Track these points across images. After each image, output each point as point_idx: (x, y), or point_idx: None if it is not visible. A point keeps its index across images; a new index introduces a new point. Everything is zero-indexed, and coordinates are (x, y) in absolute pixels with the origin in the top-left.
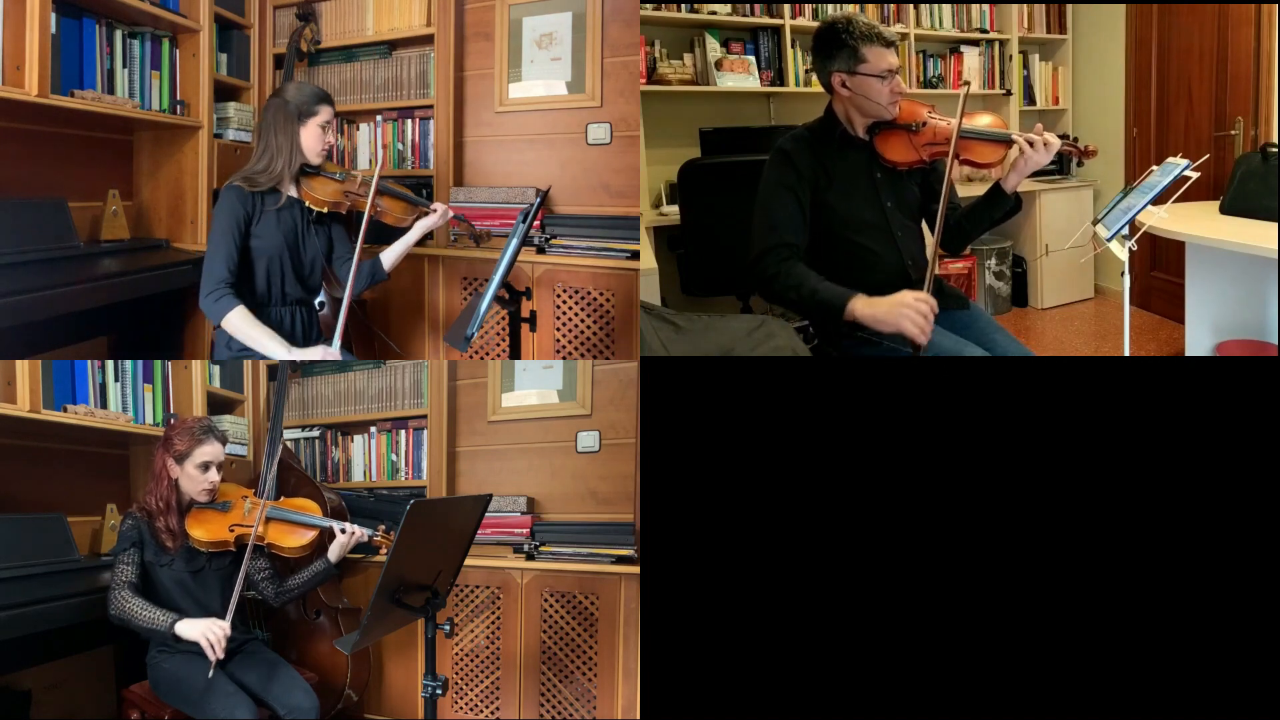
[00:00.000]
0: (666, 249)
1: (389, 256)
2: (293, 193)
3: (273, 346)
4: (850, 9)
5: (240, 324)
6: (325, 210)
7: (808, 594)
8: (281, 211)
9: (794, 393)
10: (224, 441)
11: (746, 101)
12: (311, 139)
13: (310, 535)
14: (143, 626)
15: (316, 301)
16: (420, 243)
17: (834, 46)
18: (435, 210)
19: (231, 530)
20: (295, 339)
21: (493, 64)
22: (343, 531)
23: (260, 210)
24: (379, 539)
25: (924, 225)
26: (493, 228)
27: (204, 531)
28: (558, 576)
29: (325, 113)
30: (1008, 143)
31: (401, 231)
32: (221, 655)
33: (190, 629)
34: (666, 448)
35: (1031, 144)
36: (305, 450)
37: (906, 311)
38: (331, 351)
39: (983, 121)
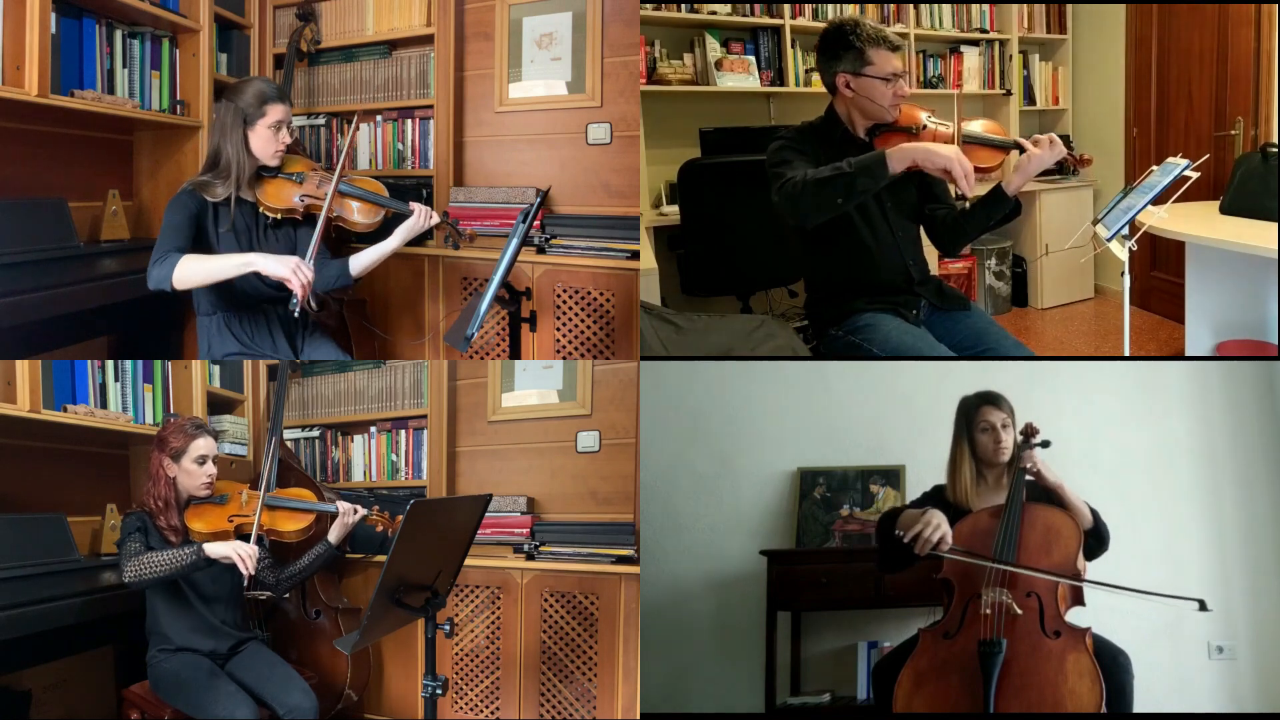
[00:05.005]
0: (666, 249)
1: (359, 261)
2: (248, 196)
3: (237, 262)
4: (851, 9)
5: (193, 269)
6: (279, 217)
7: None
8: (235, 220)
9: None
10: (215, 436)
11: (746, 101)
12: (262, 142)
13: (308, 519)
14: (170, 569)
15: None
16: (419, 243)
17: (841, 48)
18: (420, 211)
19: (230, 521)
20: (279, 336)
21: (493, 64)
22: (346, 512)
23: (214, 219)
24: (374, 517)
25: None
26: (493, 228)
27: (204, 524)
28: (558, 576)
29: (275, 112)
30: (1007, 148)
31: (379, 234)
32: (253, 570)
33: (220, 548)
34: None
35: (1037, 144)
36: (305, 450)
37: (950, 154)
38: (305, 268)
39: (976, 126)
